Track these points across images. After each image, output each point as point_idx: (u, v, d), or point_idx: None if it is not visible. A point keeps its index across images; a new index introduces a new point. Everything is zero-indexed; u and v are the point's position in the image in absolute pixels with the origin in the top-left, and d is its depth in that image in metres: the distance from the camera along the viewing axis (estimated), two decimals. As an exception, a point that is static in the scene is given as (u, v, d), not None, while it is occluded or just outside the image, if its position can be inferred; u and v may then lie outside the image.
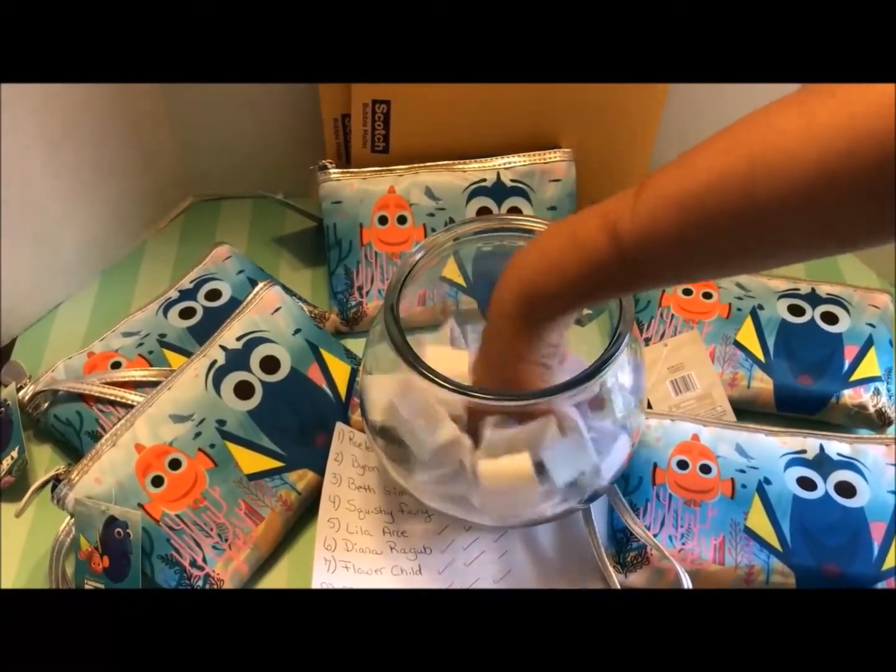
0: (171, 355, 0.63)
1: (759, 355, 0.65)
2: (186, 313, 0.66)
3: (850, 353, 0.64)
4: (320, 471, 0.59)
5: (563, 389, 0.46)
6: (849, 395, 0.63)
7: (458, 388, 0.46)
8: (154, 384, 0.59)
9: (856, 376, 0.63)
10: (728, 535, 0.55)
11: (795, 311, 0.67)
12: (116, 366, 0.62)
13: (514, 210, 0.71)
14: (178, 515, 0.55)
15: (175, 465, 0.56)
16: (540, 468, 0.49)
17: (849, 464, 0.57)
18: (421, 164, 0.71)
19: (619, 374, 0.50)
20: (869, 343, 0.65)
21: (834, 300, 0.67)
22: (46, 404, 0.62)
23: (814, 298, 0.67)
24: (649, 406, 0.63)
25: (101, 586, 0.53)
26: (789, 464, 0.57)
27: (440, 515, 0.56)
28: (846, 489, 0.56)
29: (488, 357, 0.49)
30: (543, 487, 0.50)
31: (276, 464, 0.58)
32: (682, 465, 0.57)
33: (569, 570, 0.56)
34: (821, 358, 0.64)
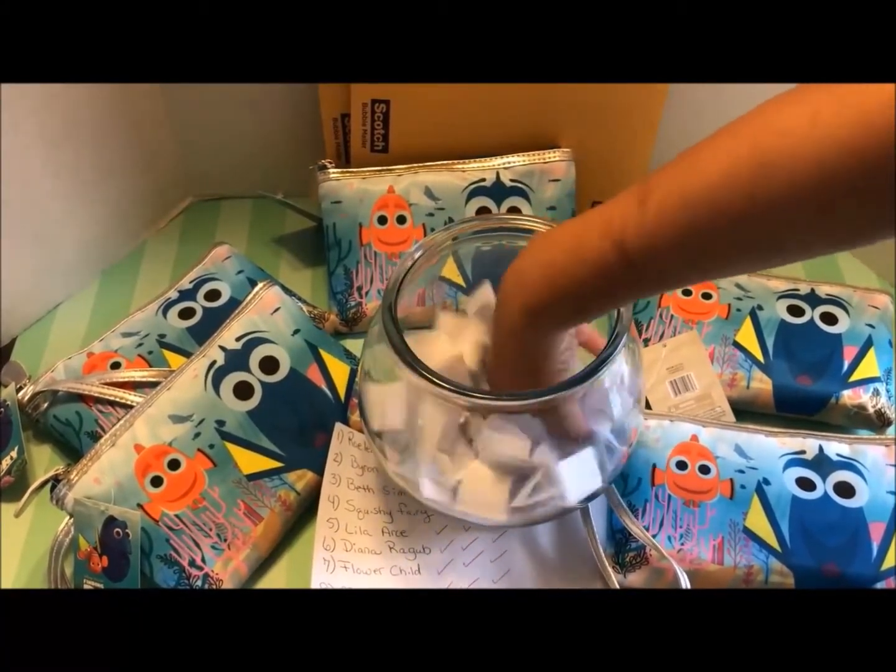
0: (170, 356, 0.63)
1: (759, 356, 0.65)
2: (186, 313, 0.66)
3: (849, 353, 0.64)
4: (319, 471, 0.59)
5: (561, 389, 0.46)
6: (848, 396, 0.63)
7: (459, 389, 0.46)
8: (153, 384, 0.59)
9: (855, 377, 0.63)
10: (727, 536, 0.55)
11: (795, 311, 0.67)
12: (116, 366, 0.62)
13: (514, 210, 0.71)
14: (177, 515, 0.55)
15: (174, 465, 0.56)
16: (524, 478, 0.49)
17: (848, 464, 0.57)
18: (420, 164, 0.71)
19: (617, 375, 0.50)
20: (868, 344, 0.65)
21: (833, 301, 0.67)
22: (46, 404, 0.62)
23: (813, 299, 0.67)
24: (648, 406, 0.63)
25: (101, 586, 0.53)
26: (788, 464, 0.57)
27: (439, 515, 0.56)
28: (845, 489, 0.56)
29: (504, 369, 0.49)
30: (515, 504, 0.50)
31: (275, 464, 0.58)
32: (681, 465, 0.57)
33: (568, 570, 0.56)
34: (820, 358, 0.64)
